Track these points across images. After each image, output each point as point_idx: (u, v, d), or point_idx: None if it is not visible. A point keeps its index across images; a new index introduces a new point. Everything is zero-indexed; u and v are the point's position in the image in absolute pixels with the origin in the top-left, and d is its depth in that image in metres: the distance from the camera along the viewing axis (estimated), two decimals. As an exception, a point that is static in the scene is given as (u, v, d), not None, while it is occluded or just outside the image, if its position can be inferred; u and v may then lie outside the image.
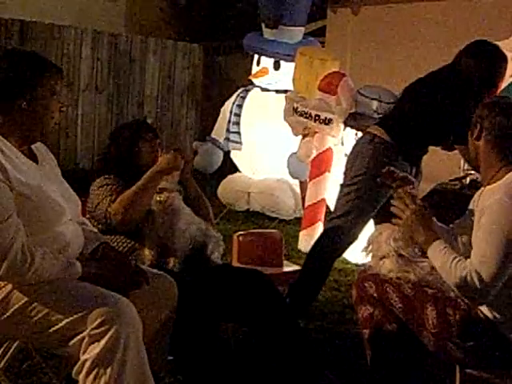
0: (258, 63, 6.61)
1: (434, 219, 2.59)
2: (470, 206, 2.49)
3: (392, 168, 2.62)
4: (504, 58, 3.34)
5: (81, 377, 1.97)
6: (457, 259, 2.20)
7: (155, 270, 2.44)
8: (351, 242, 3.50)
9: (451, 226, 2.59)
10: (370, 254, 2.61)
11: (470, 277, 2.13)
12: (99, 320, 1.96)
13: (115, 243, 2.68)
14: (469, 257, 2.23)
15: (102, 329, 1.95)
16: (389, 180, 2.59)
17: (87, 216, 2.72)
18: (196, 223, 2.82)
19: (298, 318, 3.25)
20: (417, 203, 2.41)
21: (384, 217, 2.99)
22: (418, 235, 2.35)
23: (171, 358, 2.53)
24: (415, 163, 3.44)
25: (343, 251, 3.60)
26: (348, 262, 4.80)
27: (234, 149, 6.69)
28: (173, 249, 2.73)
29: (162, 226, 2.72)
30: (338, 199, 3.51)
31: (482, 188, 2.41)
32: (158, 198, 2.73)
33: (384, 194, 3.24)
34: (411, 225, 2.36)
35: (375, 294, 2.44)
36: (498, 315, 2.24)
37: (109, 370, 1.94)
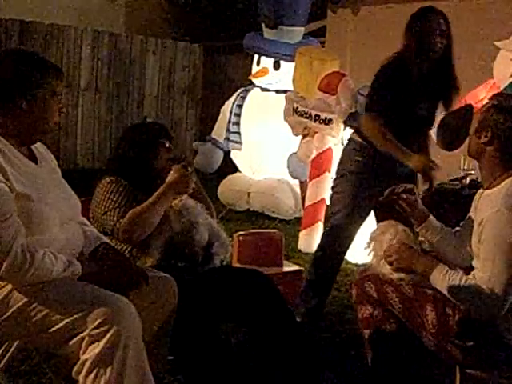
0: (258, 63, 6.61)
1: (433, 219, 2.60)
2: (471, 209, 2.50)
3: (392, 187, 2.63)
4: (428, 13, 3.28)
5: (81, 377, 1.97)
6: (464, 279, 2.23)
7: (155, 270, 2.44)
8: (348, 238, 3.49)
9: (457, 228, 2.60)
10: (372, 253, 2.62)
11: (483, 294, 2.16)
12: (99, 320, 1.96)
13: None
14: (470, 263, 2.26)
15: (102, 329, 1.95)
16: (392, 197, 2.60)
17: (90, 215, 2.72)
18: (209, 220, 2.84)
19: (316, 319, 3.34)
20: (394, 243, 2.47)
21: (385, 214, 2.99)
22: (416, 268, 2.38)
23: (171, 357, 2.53)
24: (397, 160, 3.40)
25: (344, 248, 3.56)
26: (348, 262, 4.79)
27: (233, 149, 6.69)
28: (192, 244, 2.72)
29: (181, 226, 2.70)
30: (329, 201, 3.59)
31: (482, 190, 2.41)
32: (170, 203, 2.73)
33: (364, 191, 3.35)
34: (404, 263, 2.40)
35: (375, 295, 2.44)
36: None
37: (109, 370, 1.94)
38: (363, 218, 3.47)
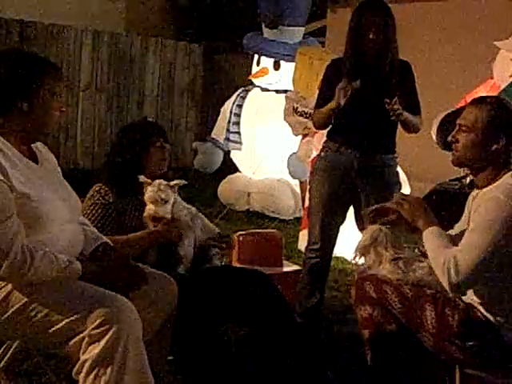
0: (258, 63, 6.61)
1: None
2: (466, 210, 2.49)
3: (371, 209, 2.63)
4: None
5: (81, 377, 1.98)
6: (444, 246, 2.22)
7: (155, 270, 2.44)
8: (329, 234, 3.47)
9: (451, 231, 2.59)
10: (361, 258, 2.62)
11: (447, 263, 2.14)
12: (99, 320, 1.96)
13: None
14: None
15: (102, 329, 1.95)
16: (376, 216, 2.60)
17: None
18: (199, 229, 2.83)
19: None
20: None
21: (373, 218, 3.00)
22: (417, 220, 2.34)
23: (171, 357, 2.53)
24: (364, 149, 3.36)
25: (328, 244, 3.51)
26: (348, 262, 4.80)
27: (233, 149, 6.69)
28: (180, 256, 2.72)
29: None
30: None
31: (477, 191, 2.39)
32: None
33: (331, 184, 3.37)
34: (411, 211, 2.37)
35: (374, 295, 2.44)
36: (497, 316, 2.24)
37: (109, 370, 1.95)
38: (340, 214, 3.46)
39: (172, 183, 2.67)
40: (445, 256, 2.17)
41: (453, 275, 2.13)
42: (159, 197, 2.62)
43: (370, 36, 3.20)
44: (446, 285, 2.17)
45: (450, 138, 2.39)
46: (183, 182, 2.73)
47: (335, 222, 3.47)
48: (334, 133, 3.44)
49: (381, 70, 3.28)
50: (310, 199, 3.59)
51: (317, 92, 5.11)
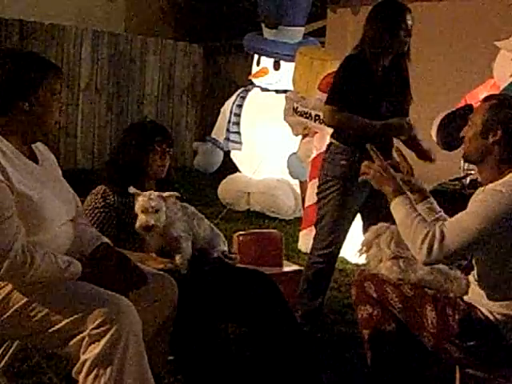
0: (258, 63, 6.61)
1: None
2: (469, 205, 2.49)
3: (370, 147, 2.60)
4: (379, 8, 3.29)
5: (81, 377, 1.98)
6: (420, 217, 2.23)
7: (155, 270, 2.44)
8: (338, 241, 3.45)
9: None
10: (364, 255, 2.63)
11: (431, 237, 2.14)
12: (99, 320, 1.96)
13: None
14: None
15: (102, 329, 1.95)
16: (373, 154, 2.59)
17: None
18: (204, 228, 2.82)
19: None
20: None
21: (377, 217, 2.99)
22: (385, 187, 2.37)
23: (171, 357, 2.53)
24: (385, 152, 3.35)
25: (335, 250, 3.49)
26: (348, 262, 4.80)
27: (233, 149, 6.69)
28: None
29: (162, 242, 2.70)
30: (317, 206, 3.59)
31: (483, 187, 2.39)
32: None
33: (350, 194, 3.34)
34: (378, 178, 2.40)
35: (375, 295, 2.44)
36: (497, 315, 2.24)
37: (109, 370, 1.95)
38: (351, 219, 3.46)
39: (164, 195, 2.62)
40: (429, 229, 2.17)
41: (435, 251, 2.13)
42: (150, 205, 2.57)
43: (407, 37, 3.25)
44: (419, 256, 2.18)
45: (461, 134, 2.42)
46: (176, 194, 2.66)
47: (348, 227, 3.48)
48: (355, 140, 3.32)
49: (403, 70, 3.35)
50: (322, 204, 3.46)
51: (317, 92, 5.15)
